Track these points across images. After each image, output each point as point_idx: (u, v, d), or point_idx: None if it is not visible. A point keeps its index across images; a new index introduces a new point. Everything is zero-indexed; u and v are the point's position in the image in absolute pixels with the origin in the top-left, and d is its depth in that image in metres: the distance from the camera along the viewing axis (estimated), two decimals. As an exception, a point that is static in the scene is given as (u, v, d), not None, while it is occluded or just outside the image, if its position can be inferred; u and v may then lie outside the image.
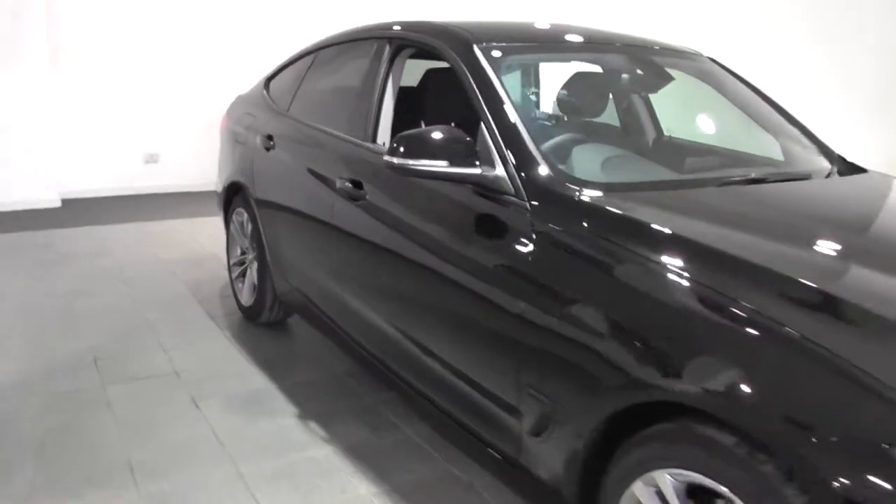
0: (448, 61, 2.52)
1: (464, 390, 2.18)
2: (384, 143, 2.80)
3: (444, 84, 3.16)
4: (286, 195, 3.38)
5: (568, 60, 2.86)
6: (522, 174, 2.03)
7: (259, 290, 3.82)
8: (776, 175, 2.38)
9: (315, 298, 3.23)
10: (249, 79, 4.65)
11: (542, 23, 2.92)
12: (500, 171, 2.07)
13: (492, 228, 2.06)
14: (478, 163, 2.10)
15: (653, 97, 3.08)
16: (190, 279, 4.77)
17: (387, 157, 2.13)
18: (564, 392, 1.78)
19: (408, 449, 2.79)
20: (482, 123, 2.19)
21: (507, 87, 2.29)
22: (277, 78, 4.07)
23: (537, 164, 2.05)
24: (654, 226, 1.80)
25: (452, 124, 2.97)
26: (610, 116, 3.03)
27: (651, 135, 3.09)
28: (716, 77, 2.96)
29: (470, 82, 2.32)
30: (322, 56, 3.63)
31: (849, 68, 4.76)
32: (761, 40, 5.19)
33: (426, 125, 3.29)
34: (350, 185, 2.74)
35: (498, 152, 2.10)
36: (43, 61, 6.46)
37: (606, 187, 2.02)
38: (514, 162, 2.06)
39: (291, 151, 3.39)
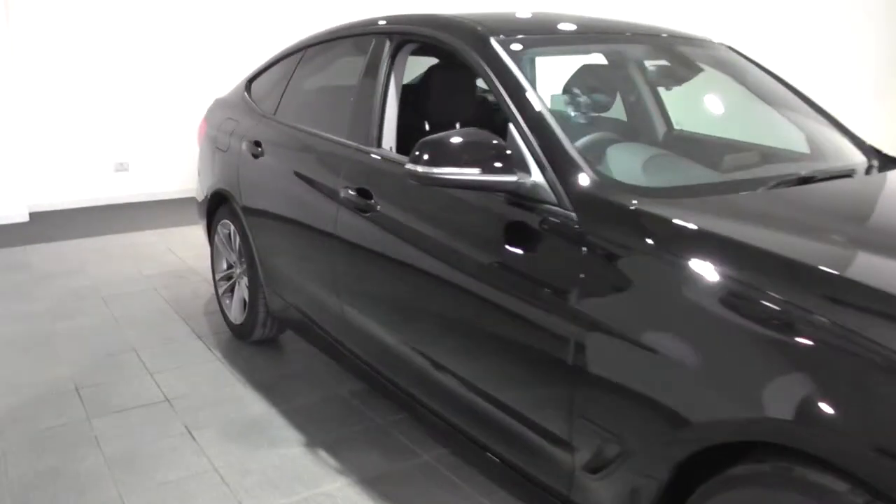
0: (461, 57, 2.31)
1: (501, 420, 1.97)
2: (391, 148, 2.58)
3: (449, 82, 2.95)
4: (280, 206, 3.14)
5: (587, 52, 2.66)
6: (564, 180, 1.82)
7: (250, 306, 3.58)
8: (822, 172, 2.20)
9: (315, 316, 3.00)
10: (224, 81, 4.41)
11: (546, 12, 2.72)
12: (538, 177, 1.86)
13: (532, 242, 1.85)
14: (504, 167, 1.88)
15: (674, 89, 2.90)
16: (172, 295, 4.51)
17: (409, 166, 1.91)
18: (631, 427, 1.58)
19: (428, 476, 2.58)
20: (511, 125, 1.97)
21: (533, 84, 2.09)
22: (260, 79, 3.82)
23: (579, 168, 1.84)
24: (734, 239, 1.57)
25: (458, 125, 2.74)
26: (629, 112, 2.85)
27: (672, 130, 2.91)
28: (733, 66, 2.79)
29: (493, 81, 2.10)
30: (310, 54, 3.39)
31: (855, 45, 4.62)
32: (761, 18, 5.03)
33: (431, 126, 3.07)
34: (356, 195, 2.52)
35: (534, 157, 1.89)
36: (4, 66, 6.11)
37: (658, 193, 1.83)
38: (552, 167, 1.85)
39: (283, 158, 3.16)
